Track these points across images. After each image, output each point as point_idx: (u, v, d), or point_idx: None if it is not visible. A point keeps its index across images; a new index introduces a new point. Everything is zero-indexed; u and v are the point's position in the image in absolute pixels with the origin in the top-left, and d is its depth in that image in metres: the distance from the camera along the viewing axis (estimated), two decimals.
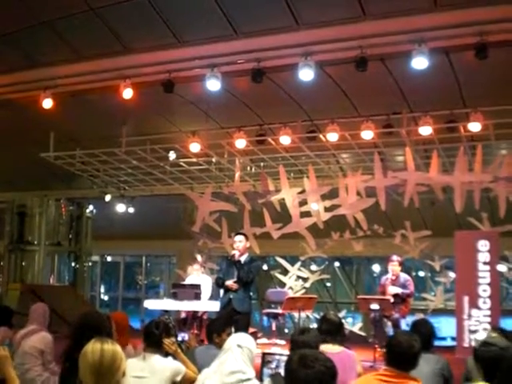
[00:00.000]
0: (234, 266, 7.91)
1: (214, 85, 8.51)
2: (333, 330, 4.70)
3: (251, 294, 8.40)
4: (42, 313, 6.09)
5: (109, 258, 21.52)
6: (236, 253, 7.93)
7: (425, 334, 4.45)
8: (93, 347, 2.80)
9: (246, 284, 7.82)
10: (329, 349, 4.42)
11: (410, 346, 3.52)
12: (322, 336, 4.39)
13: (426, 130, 9.34)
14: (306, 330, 4.24)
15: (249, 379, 3.91)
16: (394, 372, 3.46)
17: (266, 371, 4.39)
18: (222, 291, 8.18)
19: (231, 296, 7.75)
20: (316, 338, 4.14)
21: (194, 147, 10.67)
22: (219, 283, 8.03)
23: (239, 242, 8.01)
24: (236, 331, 4.56)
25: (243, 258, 7.92)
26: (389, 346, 3.59)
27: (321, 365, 2.51)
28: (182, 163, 12.09)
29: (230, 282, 7.77)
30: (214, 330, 5.23)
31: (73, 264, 16.81)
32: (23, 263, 15.88)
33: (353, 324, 12.91)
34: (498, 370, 2.87)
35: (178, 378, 4.53)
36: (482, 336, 7.42)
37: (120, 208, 14.51)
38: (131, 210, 14.59)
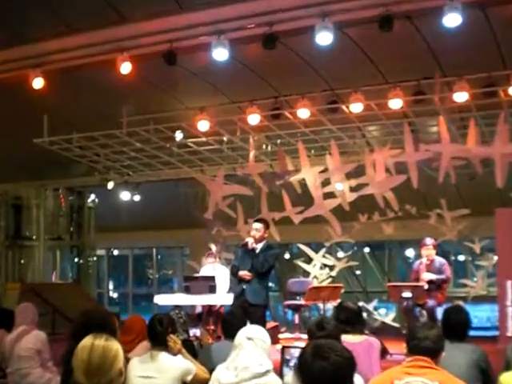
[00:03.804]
0: (248, 253, 7.95)
1: (221, 54, 8.45)
2: (352, 319, 4.75)
3: (270, 284, 8.46)
4: (30, 312, 6.30)
5: (115, 252, 21.67)
6: (250, 240, 7.95)
7: (458, 322, 4.45)
8: (83, 344, 2.82)
9: (262, 274, 7.88)
10: (349, 339, 4.46)
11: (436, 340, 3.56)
12: (341, 326, 4.44)
13: (461, 96, 9.23)
14: (323, 321, 4.27)
15: (267, 371, 3.94)
16: (424, 361, 3.48)
17: (286, 370, 4.42)
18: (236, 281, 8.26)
19: (244, 286, 7.81)
20: (336, 328, 4.17)
21: (203, 125, 10.66)
22: (233, 272, 8.12)
23: (256, 230, 8.03)
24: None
25: (259, 246, 7.96)
26: (412, 339, 3.60)
27: (337, 355, 2.50)
28: (190, 144, 12.11)
29: (243, 272, 7.84)
30: (230, 335, 5.21)
31: (76, 259, 16.96)
32: (22, 260, 16.06)
33: (386, 315, 12.91)
34: None
35: (189, 378, 4.59)
36: None
37: (124, 196, 14.58)
38: (137, 197, 14.65)
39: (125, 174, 13.96)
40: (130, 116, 11.01)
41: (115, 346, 2.85)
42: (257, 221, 8.36)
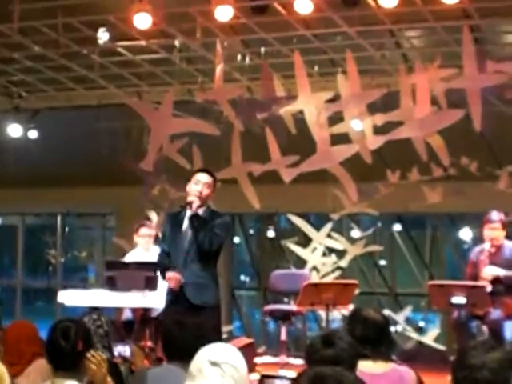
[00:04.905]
0: (183, 225, 8.04)
1: None
2: (372, 336, 4.80)
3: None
4: None
5: None
6: (194, 200, 7.94)
7: None
8: None
9: (209, 256, 7.98)
10: (368, 367, 4.54)
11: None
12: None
13: None
14: (334, 335, 4.29)
15: None
16: None
17: None
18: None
19: (182, 280, 7.90)
20: (352, 349, 4.22)
21: (142, 21, 10.58)
22: (162, 264, 8.25)
23: (204, 184, 8.02)
24: (202, 343, 4.59)
25: (200, 212, 7.96)
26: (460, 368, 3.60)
27: None
28: (120, 50, 12.09)
29: (171, 274, 7.93)
30: (177, 356, 5.28)
31: None
32: None
33: (425, 331, 13.07)
34: None
35: None
36: None
37: (14, 131, 14.49)
38: (33, 134, 14.58)
39: (15, 96, 13.93)
40: (25, 3, 10.88)
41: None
42: (204, 171, 8.29)
